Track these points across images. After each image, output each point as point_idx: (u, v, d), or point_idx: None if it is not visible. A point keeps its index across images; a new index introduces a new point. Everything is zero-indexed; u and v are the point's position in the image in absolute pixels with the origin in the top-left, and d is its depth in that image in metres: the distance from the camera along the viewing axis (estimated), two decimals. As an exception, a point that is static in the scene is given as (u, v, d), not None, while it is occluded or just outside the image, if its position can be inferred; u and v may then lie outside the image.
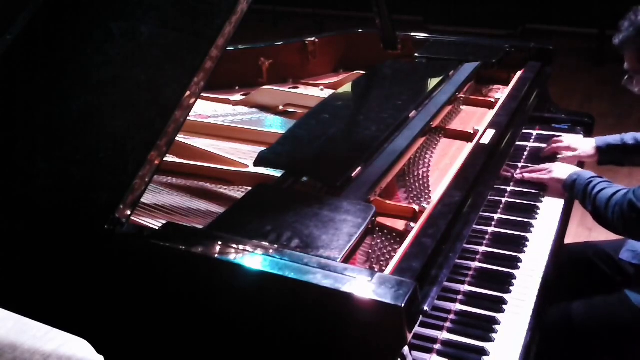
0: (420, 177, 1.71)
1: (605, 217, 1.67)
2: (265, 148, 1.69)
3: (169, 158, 1.84)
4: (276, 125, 2.13)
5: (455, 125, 2.03)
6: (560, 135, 2.27)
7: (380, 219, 1.48)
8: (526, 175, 1.99)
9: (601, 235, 2.13)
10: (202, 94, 1.55)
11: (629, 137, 2.06)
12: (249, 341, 1.18)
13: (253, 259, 1.15)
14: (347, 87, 2.17)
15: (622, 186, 1.70)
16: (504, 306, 1.50)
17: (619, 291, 1.67)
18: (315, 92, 2.38)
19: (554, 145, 2.14)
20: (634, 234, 1.69)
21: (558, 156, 2.14)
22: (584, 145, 2.12)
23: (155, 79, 1.32)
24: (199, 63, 1.29)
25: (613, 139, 2.10)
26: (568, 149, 2.12)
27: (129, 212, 1.24)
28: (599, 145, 2.11)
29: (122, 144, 1.27)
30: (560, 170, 1.92)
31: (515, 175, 2.00)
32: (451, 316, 1.45)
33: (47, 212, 1.28)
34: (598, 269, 1.88)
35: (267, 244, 1.19)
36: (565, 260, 1.85)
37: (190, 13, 1.36)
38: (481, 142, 1.83)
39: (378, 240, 1.43)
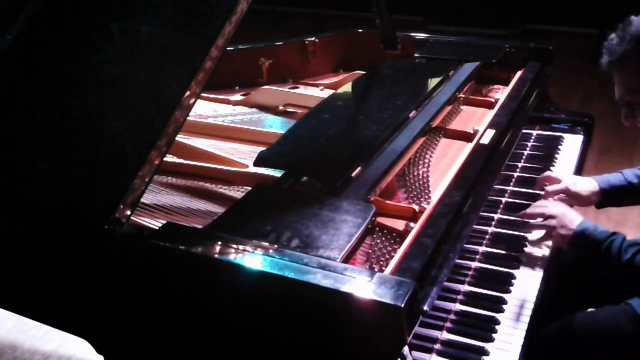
0: (420, 177, 1.71)
1: None
2: (265, 148, 1.69)
3: (169, 158, 1.84)
4: (276, 125, 2.13)
5: (455, 125, 2.03)
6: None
7: (380, 219, 1.48)
8: (527, 220, 1.73)
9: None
10: (202, 94, 1.55)
11: (631, 175, 1.87)
12: (249, 341, 1.18)
13: (253, 259, 1.15)
14: (347, 87, 2.17)
15: None
16: (503, 306, 1.50)
17: (622, 299, 1.65)
18: (315, 92, 2.38)
19: (551, 189, 1.87)
20: None
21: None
22: (584, 187, 1.87)
23: (155, 79, 1.32)
24: (199, 63, 1.29)
25: (615, 178, 1.88)
26: (567, 191, 1.86)
27: (128, 212, 1.24)
28: (603, 187, 1.86)
29: (122, 144, 1.27)
30: (566, 224, 1.64)
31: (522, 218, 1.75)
32: (451, 316, 1.45)
33: (47, 212, 1.28)
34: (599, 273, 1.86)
35: (267, 244, 1.19)
36: (566, 262, 1.84)
37: (190, 13, 1.36)
38: (481, 142, 1.83)
39: (378, 240, 1.43)
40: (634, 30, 1.54)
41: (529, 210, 1.74)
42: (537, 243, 1.73)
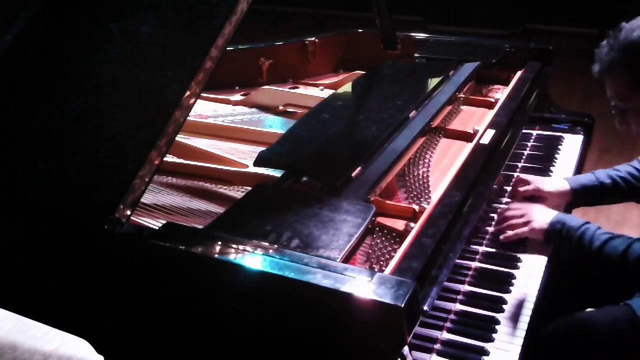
0: (420, 177, 1.71)
1: (619, 267, 1.55)
2: (265, 148, 1.69)
3: (169, 158, 1.84)
4: (276, 125, 2.13)
5: (455, 125, 2.03)
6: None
7: (380, 219, 1.48)
8: (502, 236, 1.70)
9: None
10: (202, 94, 1.55)
11: (603, 175, 1.88)
12: (248, 341, 1.18)
13: (253, 259, 1.15)
14: (347, 87, 2.17)
15: (623, 235, 1.60)
16: (503, 306, 1.50)
17: (622, 299, 1.65)
18: (315, 92, 2.38)
19: (522, 189, 1.88)
20: None
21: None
22: (554, 187, 1.89)
23: (155, 79, 1.32)
24: (199, 63, 1.29)
25: (587, 179, 1.90)
26: (538, 192, 1.87)
27: (128, 212, 1.24)
28: (573, 187, 1.88)
29: (122, 144, 1.27)
30: (540, 217, 1.68)
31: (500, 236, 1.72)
32: (451, 316, 1.45)
33: (47, 212, 1.28)
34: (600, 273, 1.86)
35: (267, 244, 1.19)
36: (566, 262, 1.83)
37: (190, 13, 1.36)
38: (481, 142, 1.83)
39: (378, 240, 1.43)
40: (622, 38, 1.54)
41: (501, 219, 1.75)
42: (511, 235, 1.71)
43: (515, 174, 2.02)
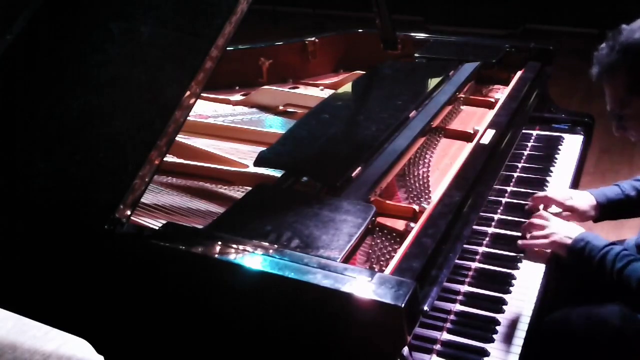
0: (420, 177, 1.71)
1: (638, 290, 1.50)
2: (265, 148, 1.69)
3: (169, 158, 1.84)
4: (276, 125, 2.13)
5: (455, 125, 2.03)
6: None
7: (380, 219, 1.48)
8: (521, 242, 1.67)
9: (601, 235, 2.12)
10: (202, 94, 1.55)
11: (628, 187, 1.83)
12: (249, 341, 1.18)
13: (253, 259, 1.15)
14: (347, 87, 2.17)
15: None
16: (504, 306, 1.50)
17: (621, 300, 1.65)
18: (315, 92, 2.38)
19: (551, 208, 1.81)
20: None
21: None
22: (581, 201, 1.82)
23: (155, 79, 1.32)
24: (199, 63, 1.29)
25: (612, 192, 1.84)
26: (564, 207, 1.81)
27: (129, 212, 1.24)
28: (600, 202, 1.82)
29: (122, 143, 1.27)
30: (563, 232, 1.62)
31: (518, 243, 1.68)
32: (451, 317, 1.45)
33: (47, 212, 1.28)
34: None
35: (267, 244, 1.19)
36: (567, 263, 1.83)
37: (190, 13, 1.36)
38: (481, 142, 1.83)
39: (378, 240, 1.43)
40: (622, 39, 1.51)
41: (526, 226, 1.70)
42: (534, 253, 1.68)
43: (516, 175, 2.02)
